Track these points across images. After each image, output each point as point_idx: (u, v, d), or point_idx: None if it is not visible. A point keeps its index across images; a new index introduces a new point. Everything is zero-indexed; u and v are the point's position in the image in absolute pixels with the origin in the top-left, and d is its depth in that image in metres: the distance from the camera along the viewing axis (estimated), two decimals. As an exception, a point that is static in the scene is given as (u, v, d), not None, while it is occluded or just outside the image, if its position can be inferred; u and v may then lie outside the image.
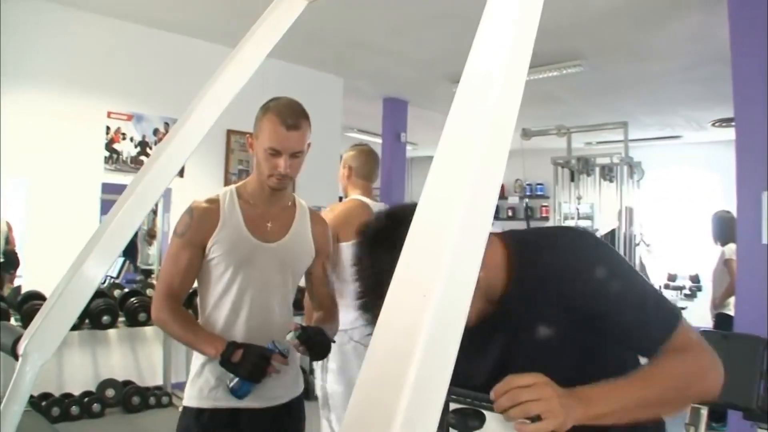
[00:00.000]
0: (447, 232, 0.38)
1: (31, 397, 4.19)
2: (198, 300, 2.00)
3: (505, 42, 0.44)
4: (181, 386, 3.01)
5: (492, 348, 1.27)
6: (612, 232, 6.15)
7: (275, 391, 1.92)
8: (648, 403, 1.12)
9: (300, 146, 1.88)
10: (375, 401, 0.34)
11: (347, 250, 2.80)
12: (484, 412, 1.07)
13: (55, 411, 4.33)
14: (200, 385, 1.90)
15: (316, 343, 1.90)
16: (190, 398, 1.91)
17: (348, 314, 2.50)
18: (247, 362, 1.77)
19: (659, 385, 1.12)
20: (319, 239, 2.07)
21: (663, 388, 1.12)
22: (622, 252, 6.00)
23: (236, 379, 1.80)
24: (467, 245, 0.39)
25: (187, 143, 0.76)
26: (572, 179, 6.68)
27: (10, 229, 4.78)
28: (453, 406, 1.11)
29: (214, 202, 1.93)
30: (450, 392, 1.12)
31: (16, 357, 0.76)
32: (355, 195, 3.05)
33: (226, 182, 5.57)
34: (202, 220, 1.89)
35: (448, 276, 0.37)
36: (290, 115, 1.85)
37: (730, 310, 4.85)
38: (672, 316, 1.20)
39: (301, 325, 1.93)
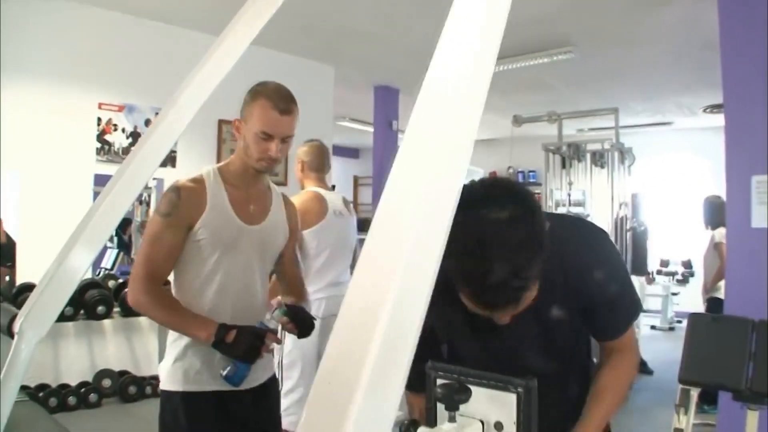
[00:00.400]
0: (410, 219, 0.40)
1: (28, 388, 4.21)
2: (174, 282, 1.95)
3: (473, 33, 0.46)
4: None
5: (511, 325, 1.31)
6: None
7: (253, 373, 1.91)
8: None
9: (291, 131, 1.91)
10: (339, 374, 0.36)
11: (307, 236, 3.11)
12: (470, 386, 1.10)
13: (53, 401, 4.35)
14: (185, 368, 1.87)
15: (302, 321, 1.94)
16: (174, 382, 1.88)
17: None
18: (241, 342, 1.76)
19: (619, 397, 1.39)
20: (291, 221, 2.13)
21: (620, 398, 1.39)
22: (628, 242, 6.09)
23: (230, 366, 1.78)
24: (429, 230, 0.41)
25: (172, 131, 0.77)
26: (563, 166, 6.68)
27: (-1, 222, 4.76)
28: (440, 381, 1.14)
29: (199, 183, 1.92)
30: (437, 368, 1.16)
31: (11, 336, 0.78)
32: (310, 187, 3.33)
33: (219, 172, 5.55)
34: (191, 200, 1.87)
35: (410, 258, 0.39)
36: (282, 99, 1.88)
37: (722, 294, 4.88)
38: (636, 310, 1.42)
39: (284, 303, 1.95)
